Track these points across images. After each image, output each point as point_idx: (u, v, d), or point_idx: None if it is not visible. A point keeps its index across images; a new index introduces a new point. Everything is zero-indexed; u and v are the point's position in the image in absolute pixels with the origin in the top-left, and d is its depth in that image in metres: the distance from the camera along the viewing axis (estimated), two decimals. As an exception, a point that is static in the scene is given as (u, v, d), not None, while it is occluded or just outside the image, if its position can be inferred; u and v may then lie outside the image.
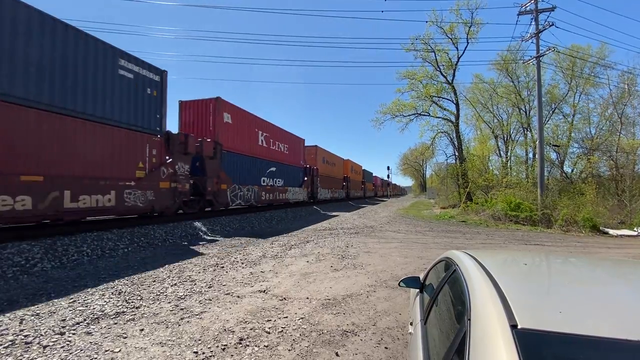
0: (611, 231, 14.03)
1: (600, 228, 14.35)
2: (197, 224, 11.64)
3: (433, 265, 2.57)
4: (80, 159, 7.58)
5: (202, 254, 7.99)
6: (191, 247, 8.84)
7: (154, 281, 5.56)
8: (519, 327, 0.96)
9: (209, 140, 12.61)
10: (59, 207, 7.05)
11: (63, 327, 3.65)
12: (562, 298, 1.26)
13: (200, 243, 9.57)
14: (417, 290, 2.62)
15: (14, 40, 6.32)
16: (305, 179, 23.75)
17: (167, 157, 10.40)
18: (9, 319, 3.83)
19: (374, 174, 59.94)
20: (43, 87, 6.84)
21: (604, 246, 10.64)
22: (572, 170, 27.25)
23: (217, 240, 10.10)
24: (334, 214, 22.17)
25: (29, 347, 3.19)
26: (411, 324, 2.22)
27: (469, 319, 1.14)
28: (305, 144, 24.55)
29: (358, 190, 43.02)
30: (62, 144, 7.19)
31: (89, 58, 7.79)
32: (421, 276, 2.74)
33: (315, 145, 27.30)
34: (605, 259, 2.15)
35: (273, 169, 18.70)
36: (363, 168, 46.76)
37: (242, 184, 15.26)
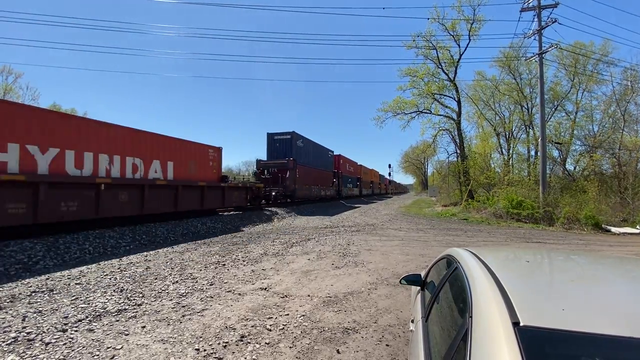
0: (613, 229, 13.97)
1: (603, 226, 14.30)
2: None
3: (434, 263, 2.56)
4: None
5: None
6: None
7: (156, 279, 5.57)
8: (521, 324, 0.95)
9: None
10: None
11: (65, 324, 3.67)
12: (565, 295, 1.25)
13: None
14: (419, 287, 2.61)
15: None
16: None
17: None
18: (12, 316, 3.85)
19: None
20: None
21: (606, 244, 10.60)
22: (575, 168, 27.11)
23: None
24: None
25: (31, 344, 3.21)
26: (412, 321, 2.21)
27: (471, 316, 1.13)
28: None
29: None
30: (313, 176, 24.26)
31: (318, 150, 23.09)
32: (422, 274, 2.73)
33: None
34: (608, 257, 2.14)
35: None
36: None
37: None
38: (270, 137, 22.74)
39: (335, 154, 33.37)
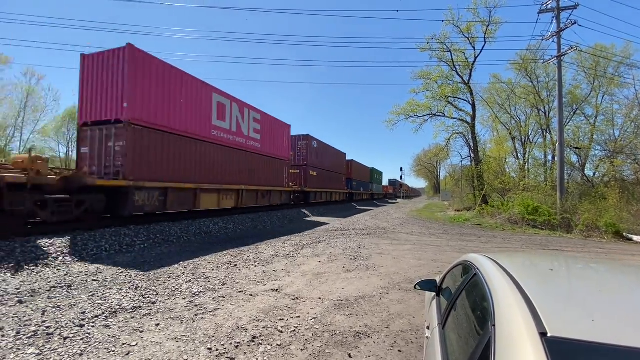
0: (635, 237, 13.48)
1: (624, 234, 13.82)
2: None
3: (450, 269, 2.51)
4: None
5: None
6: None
7: (169, 277, 5.65)
8: (548, 334, 0.92)
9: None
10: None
11: (83, 319, 3.76)
12: (593, 306, 1.21)
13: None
14: (434, 293, 2.57)
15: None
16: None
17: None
18: (32, 310, 3.96)
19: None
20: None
21: (628, 253, 10.24)
22: (594, 174, 26.32)
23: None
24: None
25: (50, 338, 3.30)
26: (428, 327, 2.18)
27: (494, 325, 1.10)
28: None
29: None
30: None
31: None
32: (438, 279, 2.69)
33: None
34: (636, 267, 2.06)
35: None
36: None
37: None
38: None
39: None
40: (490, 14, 23.80)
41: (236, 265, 6.72)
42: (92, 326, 3.61)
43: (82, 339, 3.30)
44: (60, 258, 6.37)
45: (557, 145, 18.03)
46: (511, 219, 17.45)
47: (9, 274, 5.30)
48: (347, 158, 34.11)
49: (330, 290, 5.27)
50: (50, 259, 6.24)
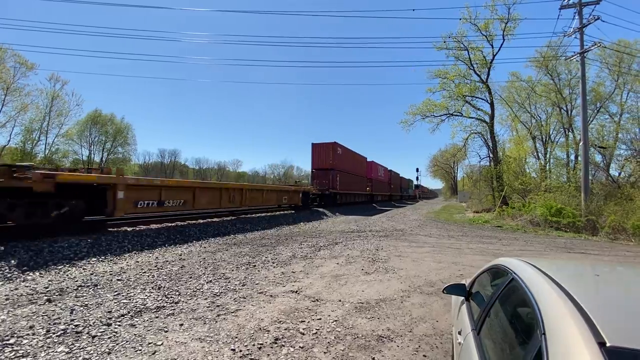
0: (667, 241, 12.86)
1: (654, 237, 13.20)
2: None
3: (481, 272, 2.44)
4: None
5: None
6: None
7: (190, 277, 5.73)
8: (607, 344, 0.87)
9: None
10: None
11: (109, 318, 3.84)
12: None
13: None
14: (462, 298, 2.50)
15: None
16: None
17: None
18: (61, 309, 4.08)
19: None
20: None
21: (660, 257, 9.76)
22: (620, 174, 25.30)
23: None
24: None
25: (79, 336, 3.38)
26: (460, 333, 2.11)
27: (543, 334, 1.05)
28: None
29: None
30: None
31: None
32: (466, 283, 2.61)
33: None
34: None
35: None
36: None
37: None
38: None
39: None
40: (509, 10, 23.30)
41: (255, 266, 6.75)
42: (119, 325, 3.68)
43: (109, 337, 3.38)
44: (86, 258, 6.55)
45: (580, 144, 17.41)
46: (533, 221, 16.94)
47: (37, 273, 5.48)
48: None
49: (350, 293, 5.22)
50: (76, 258, 6.43)
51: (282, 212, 18.21)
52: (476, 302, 2.19)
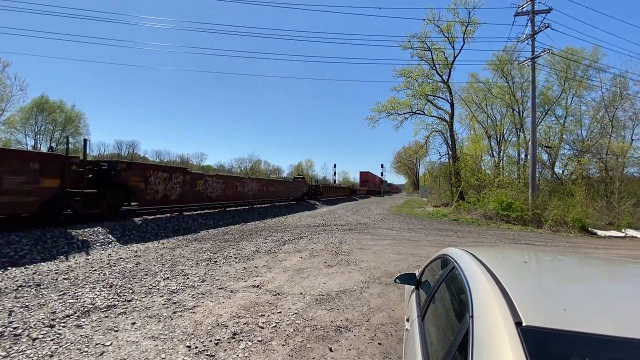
0: (599, 232, 14.30)
1: (589, 229, 14.61)
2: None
3: (429, 263, 2.57)
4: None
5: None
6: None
7: (146, 275, 5.50)
8: (524, 324, 0.96)
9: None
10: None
11: (53, 319, 3.60)
12: (565, 296, 1.27)
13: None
14: (413, 287, 2.62)
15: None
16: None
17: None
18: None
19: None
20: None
21: (593, 246, 10.84)
22: (563, 172, 27.65)
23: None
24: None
25: (18, 339, 3.14)
26: (407, 320, 2.22)
27: (472, 316, 1.13)
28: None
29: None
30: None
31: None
32: (417, 273, 2.75)
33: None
34: (605, 258, 2.17)
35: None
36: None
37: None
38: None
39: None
40: (469, 14, 24.44)
41: (216, 261, 6.61)
42: (63, 326, 3.45)
43: (52, 339, 3.16)
44: (28, 256, 6.05)
45: (529, 143, 18.78)
46: (486, 215, 18.07)
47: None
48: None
49: (311, 285, 5.28)
50: (17, 256, 5.92)
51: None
52: (424, 290, 2.31)
